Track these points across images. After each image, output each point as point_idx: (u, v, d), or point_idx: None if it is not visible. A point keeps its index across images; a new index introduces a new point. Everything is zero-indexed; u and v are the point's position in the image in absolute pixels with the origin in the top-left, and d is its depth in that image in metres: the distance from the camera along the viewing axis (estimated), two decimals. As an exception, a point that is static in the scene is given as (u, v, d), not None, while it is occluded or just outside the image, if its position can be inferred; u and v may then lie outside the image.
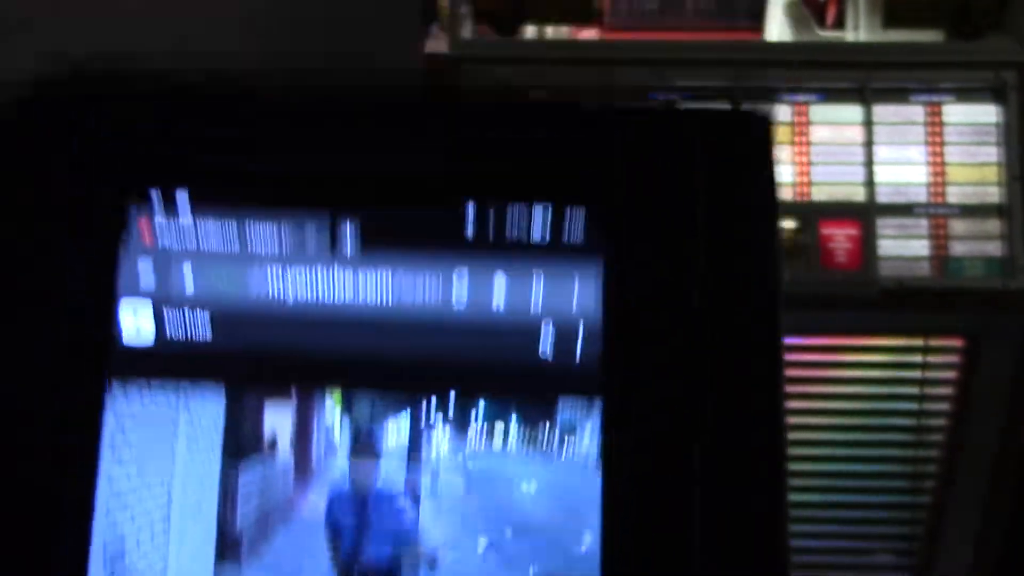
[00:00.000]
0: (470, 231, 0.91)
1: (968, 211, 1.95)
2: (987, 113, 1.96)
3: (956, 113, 1.97)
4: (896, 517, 2.20)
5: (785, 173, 1.96)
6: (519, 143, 0.92)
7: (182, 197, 0.92)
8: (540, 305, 0.91)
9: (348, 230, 0.92)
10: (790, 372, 2.07)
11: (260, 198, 0.92)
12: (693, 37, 2.10)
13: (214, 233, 0.92)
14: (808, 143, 1.97)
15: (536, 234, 0.91)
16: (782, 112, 1.97)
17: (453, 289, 0.91)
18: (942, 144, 1.97)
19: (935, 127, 1.97)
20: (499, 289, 0.91)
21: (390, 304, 0.92)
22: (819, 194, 1.96)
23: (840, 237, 1.94)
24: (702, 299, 0.89)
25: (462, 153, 0.92)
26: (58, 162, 0.91)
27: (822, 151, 1.97)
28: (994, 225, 1.95)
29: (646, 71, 1.97)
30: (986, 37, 2.00)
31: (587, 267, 0.91)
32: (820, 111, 1.97)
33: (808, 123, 1.97)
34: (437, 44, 2.04)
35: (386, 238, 0.92)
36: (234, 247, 0.92)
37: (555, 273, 0.91)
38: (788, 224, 1.95)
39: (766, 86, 1.97)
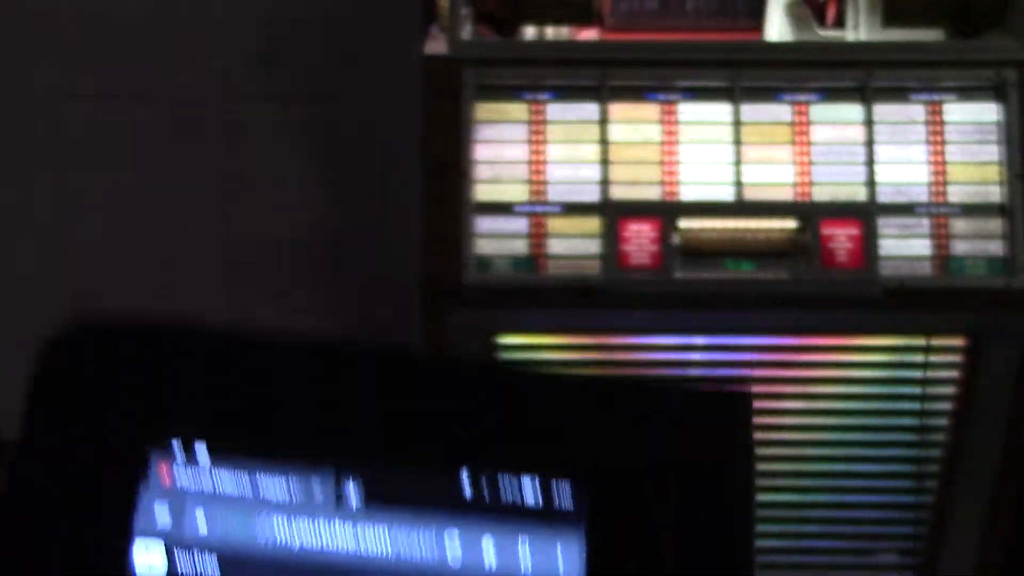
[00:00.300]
0: (463, 494, 0.97)
1: (969, 210, 1.95)
2: (988, 111, 1.96)
3: (957, 112, 1.97)
4: (899, 517, 2.19)
5: (786, 173, 1.96)
6: (512, 416, 0.99)
7: (200, 447, 0.98)
8: (530, 567, 0.97)
9: (351, 486, 0.98)
10: (793, 372, 2.08)
11: (272, 452, 0.98)
12: (693, 37, 2.10)
13: (228, 481, 0.98)
14: (809, 143, 1.96)
15: (528, 499, 0.97)
16: (783, 111, 1.97)
17: (447, 548, 0.97)
18: (943, 143, 1.96)
19: (936, 126, 1.97)
20: (488, 551, 0.97)
21: (390, 558, 0.97)
22: (820, 194, 1.95)
23: (841, 237, 1.94)
24: (678, 568, 0.96)
25: (459, 423, 0.99)
26: (88, 410, 0.98)
27: (823, 151, 1.96)
28: (996, 224, 1.94)
29: (646, 71, 1.97)
30: (986, 35, 1.99)
31: (570, 533, 0.97)
32: (820, 110, 1.97)
33: (808, 123, 1.97)
34: (437, 45, 2.04)
35: (386, 495, 0.98)
36: (246, 494, 0.98)
37: (541, 537, 0.97)
38: (789, 224, 1.95)
39: (766, 85, 1.97)
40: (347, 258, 2.93)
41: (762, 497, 2.17)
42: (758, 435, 2.10)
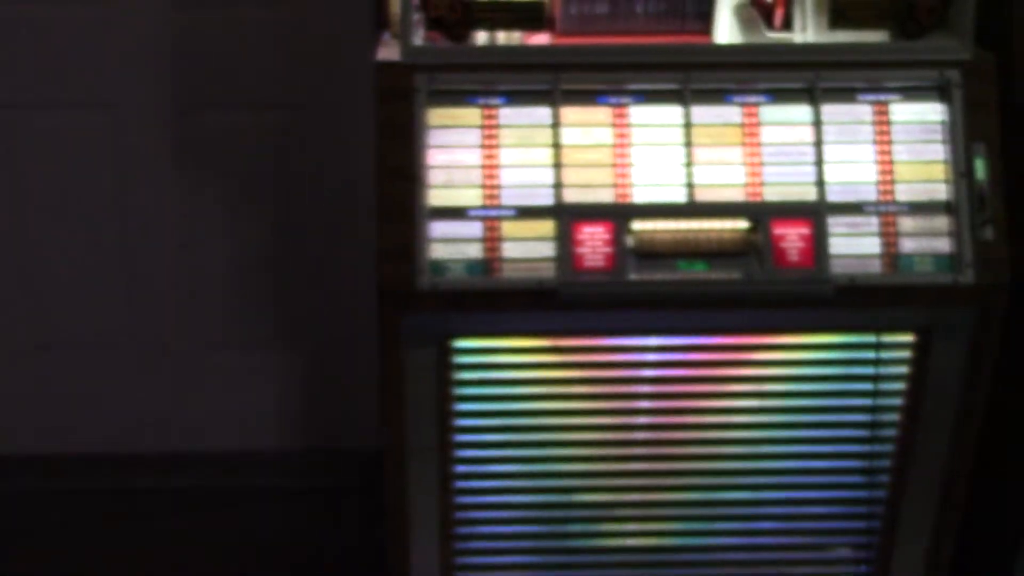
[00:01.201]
0: None
1: (917, 208, 1.98)
2: (933, 111, 1.99)
3: (903, 112, 2.00)
4: (853, 512, 2.22)
5: (737, 174, 1.98)
6: None
7: None
8: None
9: None
10: (747, 371, 2.10)
11: None
12: (643, 40, 2.11)
13: None
14: (759, 144, 1.99)
15: None
16: (732, 113, 1.99)
17: None
18: (890, 142, 1.99)
19: (883, 126, 2.00)
20: None
21: None
22: (771, 194, 1.98)
23: (792, 236, 1.96)
24: None
25: None
26: None
27: (772, 151, 1.99)
28: (942, 222, 1.98)
29: (597, 75, 1.99)
30: (930, 37, 2.03)
31: None
32: (770, 112, 2.00)
33: (758, 124, 1.99)
34: (390, 52, 2.04)
35: None
36: None
37: None
38: (741, 224, 1.97)
39: (716, 88, 1.99)
40: (303, 268, 2.95)
41: (717, 495, 2.20)
42: (713, 434, 2.14)
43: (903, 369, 2.09)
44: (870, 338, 2.09)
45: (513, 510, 2.20)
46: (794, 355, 2.11)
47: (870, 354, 2.11)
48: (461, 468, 2.14)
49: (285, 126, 2.86)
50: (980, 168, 1.96)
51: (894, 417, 2.12)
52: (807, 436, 2.16)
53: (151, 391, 3.01)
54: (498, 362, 2.09)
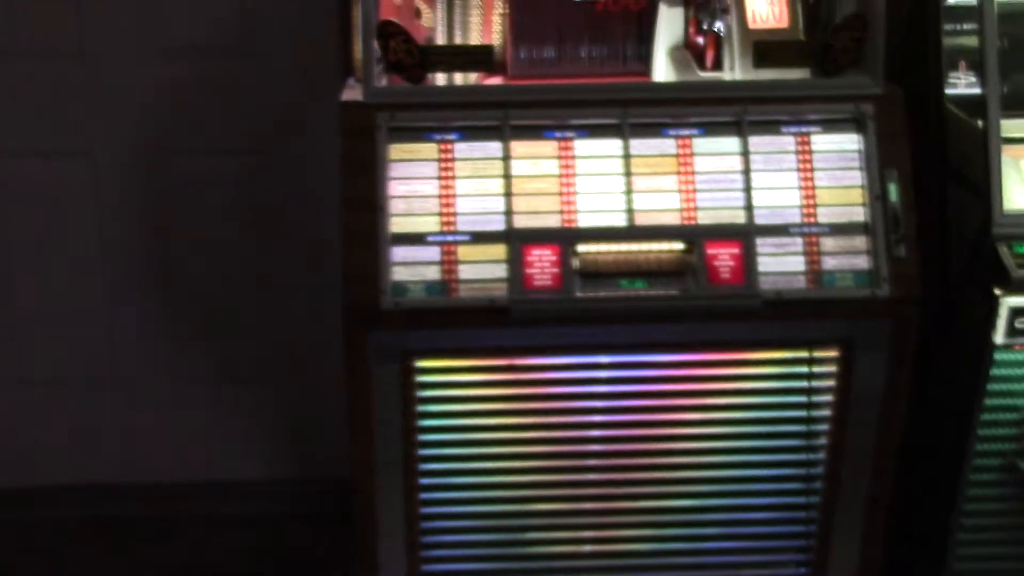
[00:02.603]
0: None
1: (837, 229, 2.16)
2: (850, 141, 2.18)
3: (822, 142, 2.18)
4: (791, 517, 2.37)
5: (672, 200, 2.16)
6: None
7: None
8: None
9: None
10: (690, 386, 2.26)
11: None
12: (586, 80, 2.30)
13: None
14: (692, 172, 2.17)
15: None
16: (668, 145, 2.17)
17: None
18: (812, 170, 2.18)
19: (805, 155, 2.18)
20: None
21: None
22: (704, 218, 2.15)
23: (724, 256, 2.14)
24: None
25: None
26: None
27: (705, 179, 2.17)
28: (861, 241, 2.16)
29: (543, 112, 2.17)
30: (846, 74, 2.21)
31: None
32: (702, 143, 2.18)
33: (692, 154, 2.17)
34: (354, 94, 2.22)
35: None
36: None
37: None
38: (677, 246, 2.14)
39: (652, 122, 2.17)
40: (276, 293, 3.08)
41: (666, 503, 2.34)
42: (661, 446, 2.29)
43: (832, 382, 2.25)
44: (802, 353, 2.26)
45: (475, 519, 2.34)
46: (734, 371, 2.27)
47: (803, 368, 2.27)
48: (425, 480, 2.29)
49: (252, 170, 3.01)
50: (893, 191, 2.14)
51: (826, 426, 2.28)
52: (748, 446, 2.32)
53: (126, 424, 3.16)
54: (458, 380, 2.24)
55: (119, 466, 3.16)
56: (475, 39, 2.39)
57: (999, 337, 2.19)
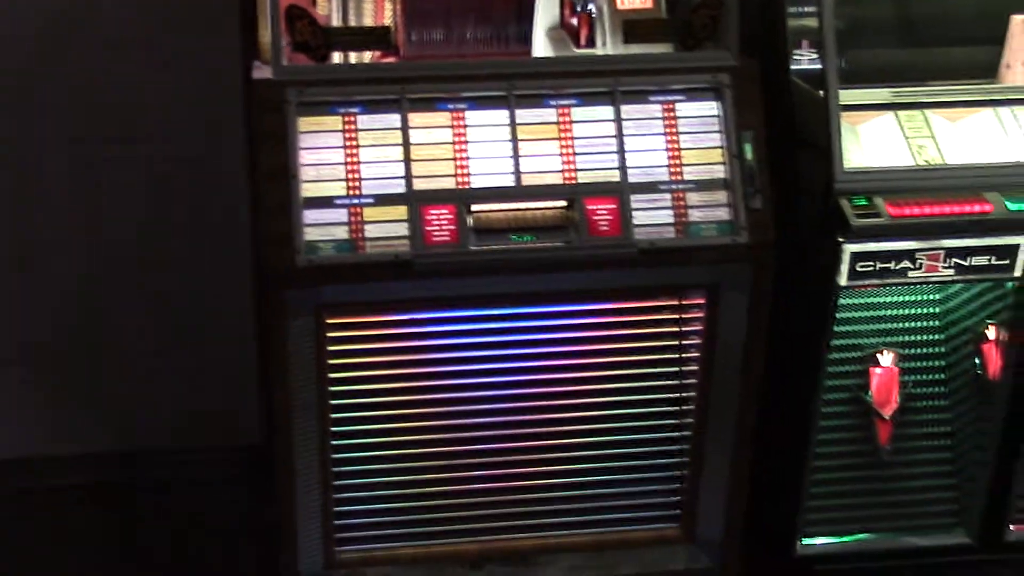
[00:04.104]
0: None
1: (701, 185, 2.42)
2: (709, 108, 2.44)
3: (686, 109, 2.44)
4: (666, 459, 2.63)
5: (555, 163, 2.39)
6: None
7: None
8: None
9: None
10: (573, 334, 2.50)
11: None
12: (474, 58, 2.52)
13: None
14: (572, 138, 2.40)
15: None
16: (549, 114, 2.41)
17: None
18: (677, 134, 2.43)
19: (671, 121, 2.43)
20: None
21: None
22: (584, 178, 2.39)
23: (602, 211, 2.38)
24: None
25: None
26: None
27: (583, 143, 2.40)
28: (722, 195, 2.42)
29: (437, 86, 2.39)
30: (705, 48, 2.48)
31: None
32: (580, 112, 2.41)
33: (571, 122, 2.41)
34: (263, 73, 2.40)
35: None
36: None
37: None
38: (560, 203, 2.38)
39: (535, 93, 2.40)
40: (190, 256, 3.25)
41: (551, 442, 2.58)
42: (547, 389, 2.52)
43: (700, 325, 2.51)
44: (673, 300, 2.52)
45: (383, 463, 2.55)
46: (613, 319, 2.52)
47: (674, 314, 2.53)
48: (336, 428, 2.49)
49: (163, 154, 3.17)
50: (748, 151, 2.40)
51: (696, 367, 2.54)
52: (627, 387, 2.57)
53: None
54: (366, 334, 2.46)
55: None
56: (368, 24, 2.60)
57: (843, 279, 2.45)
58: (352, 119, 2.36)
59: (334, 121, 2.35)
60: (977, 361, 2.65)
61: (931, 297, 2.66)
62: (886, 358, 2.64)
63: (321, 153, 2.34)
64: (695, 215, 2.41)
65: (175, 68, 3.11)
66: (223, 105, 2.98)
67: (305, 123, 2.34)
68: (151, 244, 3.23)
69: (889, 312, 2.64)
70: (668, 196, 2.40)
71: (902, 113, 2.58)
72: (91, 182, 3.18)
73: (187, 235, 3.24)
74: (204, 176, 3.19)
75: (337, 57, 2.54)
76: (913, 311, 2.66)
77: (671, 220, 2.40)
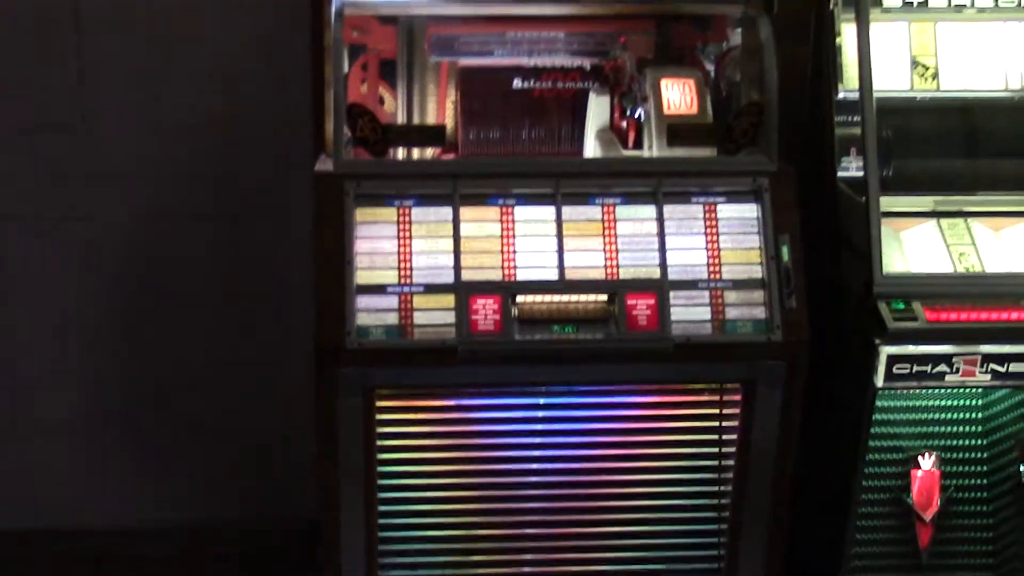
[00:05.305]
0: None
1: (738, 284, 2.49)
2: (749, 210, 2.52)
3: (726, 210, 2.52)
4: (704, 542, 2.66)
5: (598, 258, 2.48)
6: None
7: None
8: None
9: None
10: (613, 425, 2.56)
11: None
12: (526, 157, 2.64)
13: None
14: (615, 235, 2.50)
15: None
16: (594, 211, 2.51)
17: None
18: (717, 234, 2.51)
19: (711, 221, 2.52)
20: None
21: None
22: (625, 274, 2.48)
23: (642, 306, 2.46)
24: None
25: None
26: None
27: (626, 241, 2.50)
28: (758, 294, 2.49)
29: (488, 182, 2.50)
30: (745, 153, 2.56)
31: None
32: (623, 210, 2.51)
33: (615, 220, 2.51)
34: (325, 166, 2.54)
35: None
36: None
37: None
38: (602, 297, 2.47)
39: (581, 192, 2.50)
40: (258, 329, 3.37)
41: (592, 529, 2.63)
42: (587, 477, 2.58)
43: (736, 418, 2.56)
44: (711, 392, 2.58)
45: (430, 543, 2.62)
46: (651, 411, 2.57)
47: (713, 409, 2.59)
48: (384, 507, 2.57)
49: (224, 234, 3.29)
50: (785, 252, 2.48)
51: (732, 459, 2.58)
52: (666, 477, 2.61)
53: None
54: (413, 417, 2.54)
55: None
56: (431, 122, 2.74)
57: (879, 381, 2.49)
58: (406, 211, 2.48)
59: (389, 212, 2.48)
60: (1021, 469, 2.66)
61: (974, 403, 2.68)
62: (927, 461, 2.67)
63: (375, 242, 2.46)
64: (732, 313, 2.48)
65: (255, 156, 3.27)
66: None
67: (362, 213, 2.46)
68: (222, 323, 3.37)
69: (931, 416, 2.67)
70: (706, 293, 2.48)
71: (945, 221, 2.64)
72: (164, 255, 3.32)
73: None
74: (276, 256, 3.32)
75: (401, 152, 2.68)
76: (955, 416, 2.69)
77: (708, 317, 2.47)
